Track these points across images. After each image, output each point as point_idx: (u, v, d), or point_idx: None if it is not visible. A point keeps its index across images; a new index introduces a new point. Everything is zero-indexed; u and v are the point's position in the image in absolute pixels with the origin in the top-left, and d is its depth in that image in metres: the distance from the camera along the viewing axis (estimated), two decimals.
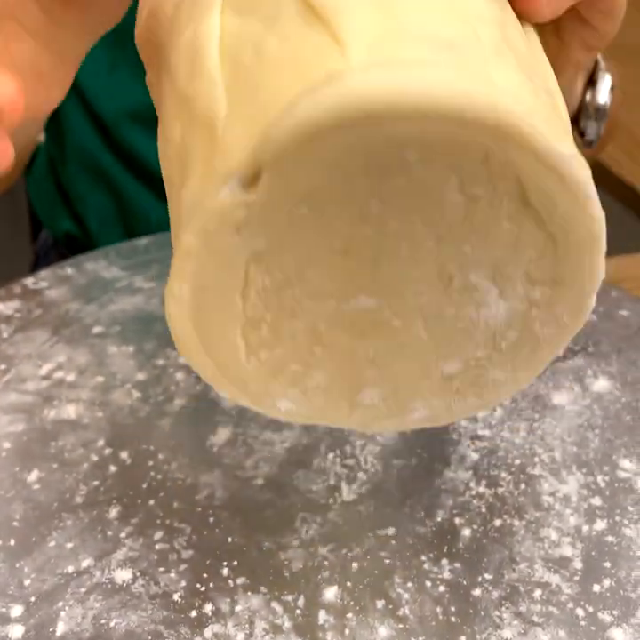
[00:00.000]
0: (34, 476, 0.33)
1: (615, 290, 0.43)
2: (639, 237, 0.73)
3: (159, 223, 0.57)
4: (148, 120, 0.71)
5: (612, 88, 0.41)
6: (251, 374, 0.24)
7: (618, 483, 0.32)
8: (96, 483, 0.33)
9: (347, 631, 0.27)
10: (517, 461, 0.34)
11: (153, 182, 0.72)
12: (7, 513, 0.32)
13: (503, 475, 0.33)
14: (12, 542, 0.30)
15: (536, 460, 0.34)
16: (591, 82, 0.40)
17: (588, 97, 0.41)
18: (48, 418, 0.36)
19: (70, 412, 0.36)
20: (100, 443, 0.35)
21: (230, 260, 0.22)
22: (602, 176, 0.86)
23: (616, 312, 0.42)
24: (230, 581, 0.29)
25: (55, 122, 0.75)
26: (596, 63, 0.40)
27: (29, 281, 0.45)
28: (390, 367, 0.24)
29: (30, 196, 0.83)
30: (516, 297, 0.23)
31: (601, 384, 0.37)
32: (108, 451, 0.34)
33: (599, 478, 0.33)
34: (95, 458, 0.34)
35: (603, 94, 0.40)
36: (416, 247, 0.22)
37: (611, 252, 0.24)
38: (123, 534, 0.31)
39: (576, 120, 0.41)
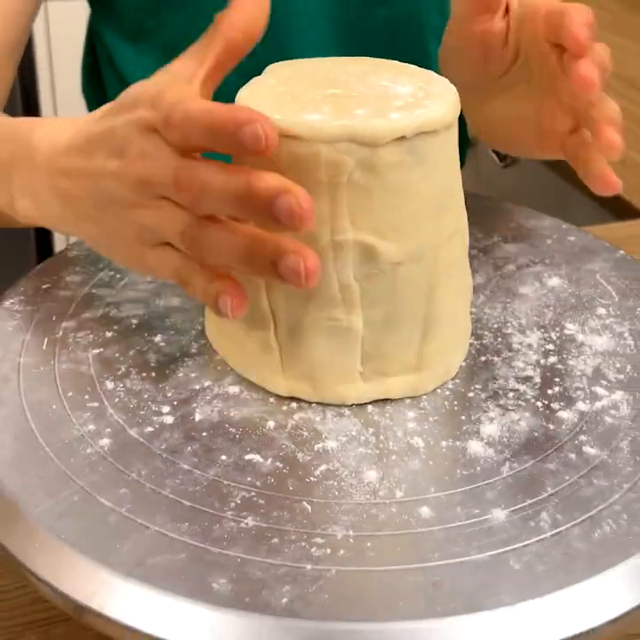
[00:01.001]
0: (159, 337, 0.47)
1: (565, 224, 0.58)
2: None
3: None
4: None
5: None
6: None
7: (564, 336, 0.47)
8: (203, 341, 0.47)
9: (387, 407, 0.42)
10: (495, 325, 0.48)
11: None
12: (145, 359, 0.45)
13: (486, 333, 0.48)
14: (153, 374, 0.44)
15: (508, 324, 0.48)
16: None
17: None
18: (160, 305, 0.50)
19: (175, 302, 0.50)
20: (200, 319, 0.49)
21: None
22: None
23: (566, 238, 0.57)
24: None
25: None
26: None
27: None
28: None
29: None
30: None
31: (554, 281, 0.52)
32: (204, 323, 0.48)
33: (552, 334, 0.47)
34: (199, 328, 0.48)
35: None
36: None
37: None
38: (229, 368, 0.45)
39: None
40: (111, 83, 0.83)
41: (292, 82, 0.42)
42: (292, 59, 0.46)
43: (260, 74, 0.45)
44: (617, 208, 0.94)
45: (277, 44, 0.67)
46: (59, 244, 1.75)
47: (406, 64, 0.45)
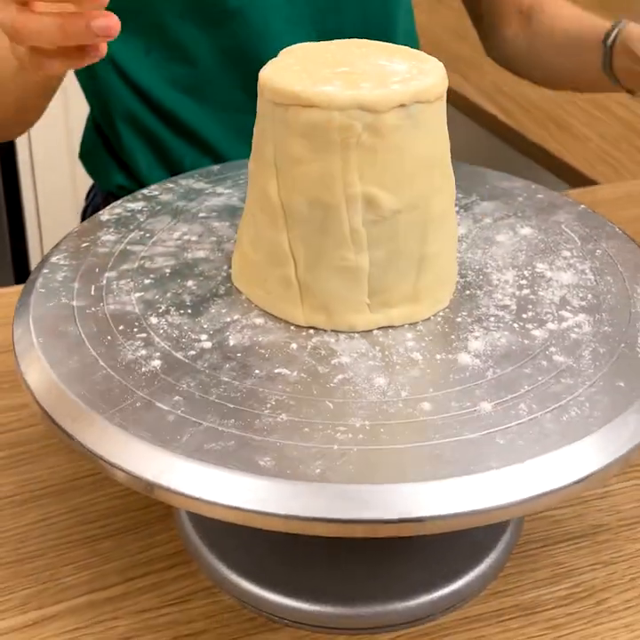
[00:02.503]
0: (190, 282, 0.55)
1: (534, 184, 0.66)
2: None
3: (192, 165, 0.78)
4: (183, 85, 0.93)
5: None
6: None
7: (535, 273, 0.56)
8: (228, 285, 0.55)
9: (390, 331, 0.50)
10: (477, 266, 0.57)
11: (186, 134, 0.92)
12: (181, 299, 0.53)
13: (469, 272, 0.56)
14: (189, 311, 0.52)
15: (488, 265, 0.57)
16: None
17: None
18: (188, 257, 0.58)
19: (200, 254, 0.58)
20: (224, 267, 0.57)
21: None
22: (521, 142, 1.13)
23: (535, 196, 0.65)
24: None
25: (100, 96, 0.94)
26: None
27: (145, 191, 0.67)
28: None
29: (84, 164, 1.02)
30: None
31: (525, 230, 0.61)
32: (228, 271, 0.56)
33: (525, 272, 0.56)
34: (224, 274, 0.56)
35: None
36: None
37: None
38: (253, 305, 0.53)
39: None
40: (100, 64, 0.89)
41: (305, 62, 0.50)
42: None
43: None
44: (572, 178, 1.04)
45: (255, 16, 0.75)
46: (33, 257, 1.81)
47: (399, 46, 0.53)
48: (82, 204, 1.07)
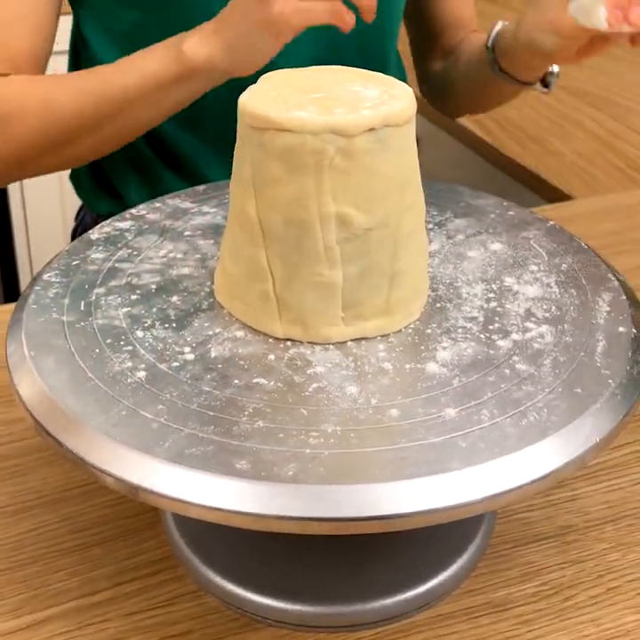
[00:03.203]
0: (175, 298, 0.58)
1: (505, 202, 0.69)
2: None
3: None
4: (177, 115, 0.97)
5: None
6: None
7: (503, 287, 0.59)
8: (211, 300, 0.58)
9: (363, 343, 0.53)
10: (448, 281, 0.60)
11: (178, 164, 0.95)
12: (166, 314, 0.56)
13: (440, 286, 0.59)
14: (174, 325, 0.55)
15: (458, 279, 0.60)
16: None
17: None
18: (173, 274, 0.61)
19: (185, 271, 0.61)
20: (208, 283, 0.59)
21: None
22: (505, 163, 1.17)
23: (506, 213, 0.68)
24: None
25: None
26: None
27: (133, 210, 0.70)
28: None
29: (74, 186, 1.05)
30: None
31: (496, 246, 0.64)
32: (211, 286, 0.59)
33: (493, 286, 0.59)
34: (207, 290, 0.59)
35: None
36: None
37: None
38: (234, 319, 0.56)
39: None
40: None
41: (282, 88, 0.53)
42: (276, 64, 0.57)
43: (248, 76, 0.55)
44: (548, 193, 1.08)
45: (255, 79, 0.79)
46: (23, 277, 1.83)
47: (373, 72, 0.56)
48: (70, 222, 1.10)
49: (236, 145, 0.55)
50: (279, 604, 0.54)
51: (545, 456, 0.44)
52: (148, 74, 0.75)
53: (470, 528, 0.58)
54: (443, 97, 1.02)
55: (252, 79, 0.56)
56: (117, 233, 0.65)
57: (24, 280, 1.83)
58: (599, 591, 0.56)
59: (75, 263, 0.62)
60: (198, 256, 0.63)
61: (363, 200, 0.51)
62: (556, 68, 0.85)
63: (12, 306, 0.84)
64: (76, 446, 0.46)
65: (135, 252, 0.63)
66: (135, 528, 0.61)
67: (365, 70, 0.56)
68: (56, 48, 0.84)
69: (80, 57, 0.92)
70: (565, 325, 0.54)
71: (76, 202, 1.05)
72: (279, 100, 0.51)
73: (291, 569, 0.56)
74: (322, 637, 0.54)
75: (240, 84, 0.78)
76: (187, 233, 0.66)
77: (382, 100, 0.51)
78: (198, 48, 0.73)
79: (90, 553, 0.59)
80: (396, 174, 0.52)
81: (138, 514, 0.62)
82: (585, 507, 0.62)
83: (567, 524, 0.61)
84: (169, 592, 0.57)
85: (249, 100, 0.52)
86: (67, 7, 0.85)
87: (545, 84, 0.87)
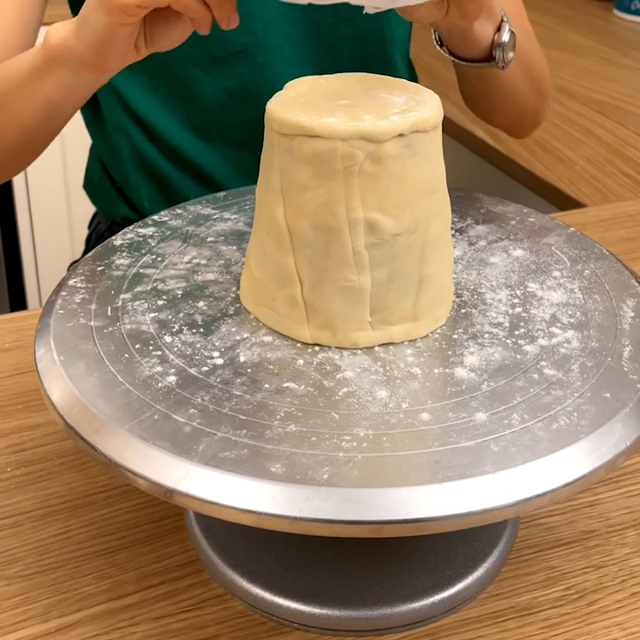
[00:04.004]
0: (201, 303, 0.58)
1: (525, 208, 0.70)
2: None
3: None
4: (189, 123, 0.97)
5: (511, 32, 0.73)
6: None
7: (527, 293, 0.59)
8: (237, 305, 0.58)
9: (390, 348, 0.53)
10: (472, 286, 0.60)
11: (191, 170, 0.96)
12: (193, 319, 0.56)
13: (465, 292, 0.59)
14: (201, 330, 0.55)
15: (482, 285, 0.60)
16: (498, 29, 0.71)
17: (495, 38, 0.73)
18: (198, 279, 0.61)
19: (210, 276, 0.61)
20: (233, 289, 0.60)
21: None
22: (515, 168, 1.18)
23: (527, 219, 0.69)
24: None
25: (104, 130, 0.97)
26: (501, 18, 0.72)
27: (155, 217, 0.70)
28: None
29: (88, 194, 1.05)
30: None
31: (518, 252, 0.64)
32: (236, 292, 0.59)
33: (517, 291, 0.59)
34: (233, 295, 0.59)
35: (504, 35, 0.72)
36: None
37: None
38: (261, 324, 0.56)
39: (491, 55, 0.74)
40: (103, 92, 0.92)
41: (308, 95, 0.53)
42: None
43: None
44: (559, 200, 1.08)
45: (259, 57, 0.79)
46: (29, 284, 1.84)
47: (398, 79, 0.56)
48: (77, 229, 1.10)
49: (263, 151, 0.55)
50: (306, 608, 0.54)
51: (577, 460, 0.45)
52: (24, 62, 0.70)
53: (495, 532, 0.58)
54: (470, 98, 0.98)
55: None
56: (141, 239, 0.66)
57: (30, 288, 1.84)
58: (624, 595, 0.57)
59: (100, 269, 0.62)
60: (222, 262, 0.63)
61: (391, 205, 0.52)
62: (504, 38, 0.75)
63: (18, 314, 0.85)
64: (108, 450, 0.47)
65: (159, 258, 0.64)
66: (160, 532, 0.62)
67: (389, 77, 0.57)
68: None
69: None
70: (591, 331, 0.55)
71: (83, 209, 1.06)
72: (308, 107, 0.52)
73: (317, 573, 0.56)
74: None
75: (243, 91, 0.77)
76: (209, 239, 0.66)
77: (409, 107, 0.52)
78: (57, 31, 0.67)
79: (116, 557, 0.60)
80: (424, 180, 0.53)
81: (162, 519, 0.63)
82: (606, 511, 0.62)
83: (589, 529, 0.61)
84: (196, 596, 0.57)
85: (277, 107, 0.52)
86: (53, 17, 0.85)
87: (492, 57, 0.77)
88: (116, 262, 0.63)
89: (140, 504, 0.64)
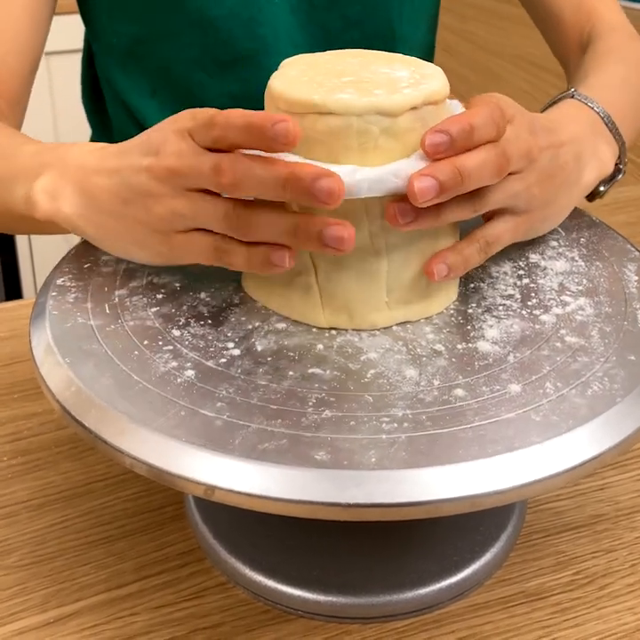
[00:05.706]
0: (203, 294, 0.56)
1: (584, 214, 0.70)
2: None
3: None
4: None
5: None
6: None
7: (530, 264, 0.59)
8: (241, 294, 0.56)
9: (408, 327, 0.52)
10: None
11: None
12: (198, 311, 0.54)
13: None
14: (210, 321, 0.53)
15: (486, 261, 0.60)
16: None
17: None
18: (194, 270, 0.59)
19: (205, 267, 0.59)
20: (232, 277, 0.58)
21: None
22: None
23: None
24: None
25: (107, 130, 0.95)
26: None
27: None
28: None
29: None
30: None
31: None
32: (238, 281, 0.57)
33: (520, 263, 0.59)
34: (234, 284, 0.57)
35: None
36: None
37: None
38: (270, 311, 0.54)
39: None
40: (108, 95, 0.90)
41: (309, 73, 0.52)
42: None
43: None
44: None
45: (265, 63, 0.77)
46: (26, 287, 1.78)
47: (394, 53, 0.55)
48: None
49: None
50: (310, 596, 0.53)
51: (619, 423, 0.45)
52: (8, 181, 0.60)
53: (502, 517, 0.58)
54: None
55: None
56: None
57: (26, 279, 1.79)
58: (634, 579, 0.56)
59: (86, 266, 0.60)
60: None
61: None
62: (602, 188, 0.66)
63: (14, 303, 0.82)
64: (139, 452, 0.44)
65: None
66: (159, 521, 0.60)
67: (386, 52, 0.56)
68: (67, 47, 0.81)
69: (90, 71, 0.91)
70: (601, 297, 0.55)
71: None
72: (313, 85, 0.50)
73: (320, 560, 0.55)
74: (354, 628, 0.53)
75: (247, 96, 0.74)
76: None
77: (416, 80, 0.51)
78: (46, 202, 0.57)
79: (115, 546, 0.58)
80: None
81: (161, 507, 0.61)
82: (615, 495, 0.62)
83: (598, 513, 0.61)
84: (197, 584, 0.56)
85: (285, 87, 0.51)
86: (63, 7, 0.82)
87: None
88: (103, 258, 0.60)
89: (138, 492, 0.62)
